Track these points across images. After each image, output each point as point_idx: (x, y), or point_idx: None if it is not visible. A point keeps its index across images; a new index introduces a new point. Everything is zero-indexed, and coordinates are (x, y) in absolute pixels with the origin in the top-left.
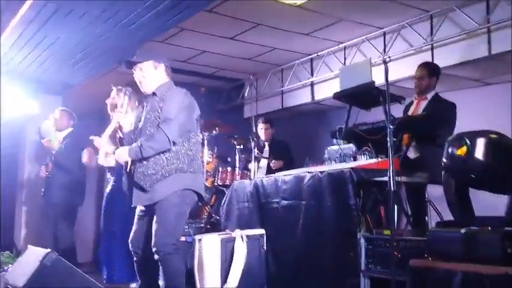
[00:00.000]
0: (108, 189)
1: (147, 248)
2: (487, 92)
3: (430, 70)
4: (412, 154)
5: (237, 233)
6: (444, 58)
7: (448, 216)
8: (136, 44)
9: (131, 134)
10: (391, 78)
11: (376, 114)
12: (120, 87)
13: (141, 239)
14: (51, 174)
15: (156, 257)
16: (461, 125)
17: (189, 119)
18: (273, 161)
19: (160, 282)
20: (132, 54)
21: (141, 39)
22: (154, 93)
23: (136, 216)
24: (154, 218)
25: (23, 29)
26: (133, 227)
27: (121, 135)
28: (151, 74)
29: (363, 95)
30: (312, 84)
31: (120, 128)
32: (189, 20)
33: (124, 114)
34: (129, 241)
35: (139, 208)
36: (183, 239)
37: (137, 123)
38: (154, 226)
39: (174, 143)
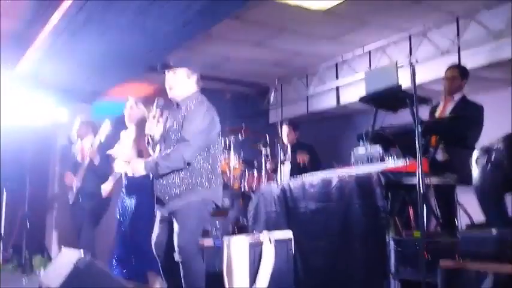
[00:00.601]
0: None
1: (169, 251)
2: None
3: (461, 71)
4: (440, 156)
5: (265, 236)
6: (471, 60)
7: (478, 218)
8: (164, 51)
9: (159, 143)
10: (417, 80)
11: (401, 117)
12: (137, 99)
13: (164, 242)
14: (82, 182)
15: (177, 259)
16: (491, 128)
17: (208, 138)
18: (300, 155)
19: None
20: (160, 62)
21: (169, 47)
22: (178, 105)
23: (157, 220)
24: (175, 222)
25: (53, 40)
26: (156, 231)
27: (150, 143)
28: (183, 82)
29: (389, 98)
30: (337, 89)
31: (152, 138)
32: (215, 27)
33: (156, 124)
34: (153, 244)
35: (159, 212)
36: (210, 242)
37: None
38: (175, 230)
39: (188, 164)
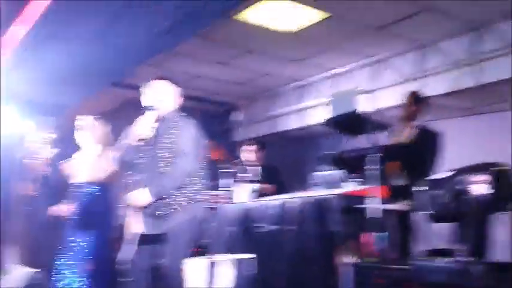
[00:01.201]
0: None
1: (147, 275)
2: (477, 121)
3: (417, 98)
4: (398, 182)
5: (224, 257)
6: (433, 88)
7: (435, 243)
8: (131, 66)
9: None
10: (380, 106)
11: (364, 141)
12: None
13: (145, 266)
14: (37, 193)
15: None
16: (451, 155)
17: (200, 151)
18: (265, 185)
19: None
20: (126, 76)
21: (136, 61)
22: (163, 118)
23: (133, 240)
24: (164, 242)
25: (17, 51)
26: (131, 252)
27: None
28: (172, 96)
29: (351, 123)
30: (302, 110)
31: (140, 143)
32: (183, 45)
33: (150, 129)
34: (125, 267)
35: (138, 232)
36: None
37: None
38: (167, 250)
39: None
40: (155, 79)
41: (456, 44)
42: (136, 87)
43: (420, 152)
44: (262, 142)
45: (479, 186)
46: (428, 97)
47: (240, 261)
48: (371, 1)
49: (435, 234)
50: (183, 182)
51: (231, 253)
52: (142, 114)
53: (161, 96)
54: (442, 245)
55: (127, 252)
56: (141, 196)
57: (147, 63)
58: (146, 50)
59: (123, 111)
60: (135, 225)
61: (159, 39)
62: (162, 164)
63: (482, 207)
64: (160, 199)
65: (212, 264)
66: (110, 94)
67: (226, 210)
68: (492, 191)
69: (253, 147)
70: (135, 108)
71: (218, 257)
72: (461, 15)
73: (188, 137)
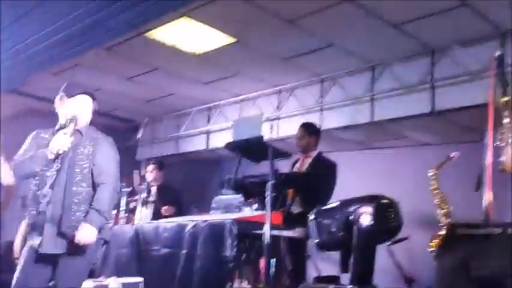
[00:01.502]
0: None
1: None
2: (370, 155)
3: (308, 130)
4: (295, 209)
5: (113, 281)
6: (332, 120)
7: (328, 270)
8: (27, 72)
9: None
10: (283, 134)
11: (267, 168)
12: None
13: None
14: None
15: None
16: (345, 185)
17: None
18: (165, 207)
19: None
20: (22, 83)
21: (33, 68)
22: (81, 133)
23: (28, 260)
24: (63, 263)
25: None
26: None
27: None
28: (90, 111)
29: (252, 148)
30: (207, 132)
31: (54, 155)
32: (86, 56)
33: (67, 141)
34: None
35: (32, 249)
36: None
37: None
38: (63, 270)
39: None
40: (77, 94)
41: (355, 81)
42: (36, 96)
43: (316, 181)
44: (161, 162)
45: (364, 217)
46: (319, 129)
47: (128, 285)
48: (277, 31)
49: (328, 261)
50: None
51: (122, 276)
52: (53, 125)
53: (81, 111)
54: (332, 272)
55: (18, 273)
56: (89, 233)
57: (50, 71)
58: (45, 56)
59: (22, 119)
60: (28, 243)
61: (59, 48)
62: (78, 178)
63: (365, 237)
64: (61, 218)
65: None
66: (7, 101)
67: (121, 231)
68: (373, 223)
69: (153, 167)
70: (34, 117)
71: (106, 280)
72: (361, 54)
73: (110, 156)
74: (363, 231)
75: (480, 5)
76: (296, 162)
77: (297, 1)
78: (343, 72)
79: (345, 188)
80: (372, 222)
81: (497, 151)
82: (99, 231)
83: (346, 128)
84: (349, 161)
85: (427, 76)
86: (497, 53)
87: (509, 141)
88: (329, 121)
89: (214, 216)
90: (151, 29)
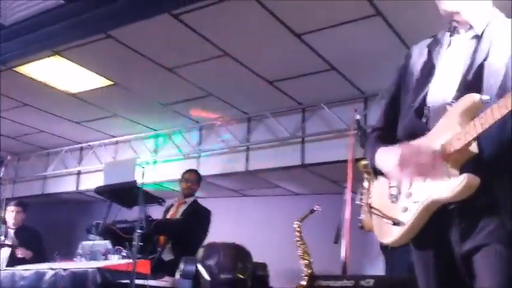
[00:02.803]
0: None
1: None
2: (245, 202)
3: (196, 176)
4: (166, 256)
5: None
6: (209, 167)
7: None
8: None
9: None
10: (159, 179)
11: (136, 213)
12: None
13: None
14: None
15: None
16: (220, 232)
17: None
18: (20, 249)
19: None
20: None
21: None
22: None
23: None
24: None
25: None
26: None
27: None
28: None
29: (124, 193)
30: (78, 173)
31: None
32: None
33: None
34: None
35: None
36: None
37: None
38: None
39: None
40: None
41: (232, 130)
42: None
43: (190, 228)
44: (23, 203)
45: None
46: (201, 175)
47: None
48: (157, 77)
49: None
50: None
51: None
52: None
53: None
54: None
55: None
56: None
57: None
58: None
59: None
60: None
61: None
62: None
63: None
64: None
65: None
66: None
67: None
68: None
69: (14, 208)
70: None
71: None
72: (239, 105)
73: None
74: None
75: (347, 71)
76: (170, 208)
77: (177, 50)
78: (221, 122)
79: (220, 234)
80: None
81: (358, 207)
82: None
83: (222, 175)
84: (225, 208)
85: (299, 131)
86: (357, 117)
87: (365, 202)
88: (206, 168)
89: (77, 264)
90: (25, 64)
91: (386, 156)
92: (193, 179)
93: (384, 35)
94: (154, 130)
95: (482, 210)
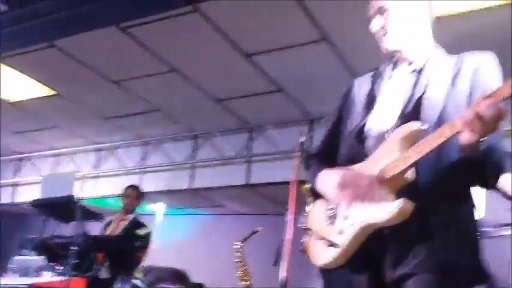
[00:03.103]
0: None
1: None
2: (189, 220)
3: (138, 192)
4: (103, 274)
5: None
6: (152, 183)
7: None
8: None
9: None
10: (100, 194)
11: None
12: None
13: None
14: None
15: None
16: (162, 249)
17: None
18: None
19: None
20: None
21: None
22: None
23: None
24: None
25: None
26: None
27: None
28: None
29: (61, 207)
30: (15, 185)
31: None
32: None
33: None
34: None
35: None
36: None
37: None
38: None
39: None
40: None
41: (177, 147)
42: None
43: (130, 245)
44: None
45: None
46: (143, 192)
47: None
48: (102, 90)
49: None
50: None
51: None
52: None
53: None
54: None
55: None
56: None
57: None
58: None
59: None
60: None
61: None
62: None
63: None
64: None
65: None
66: None
67: None
68: None
69: None
70: None
71: None
72: (186, 122)
73: None
74: None
75: (294, 93)
76: (109, 224)
77: (124, 63)
78: (166, 138)
79: (161, 252)
80: None
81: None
82: None
83: (165, 192)
84: (168, 225)
85: (245, 151)
86: (302, 139)
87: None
88: (149, 184)
89: (6, 280)
90: None
91: (328, 178)
92: (134, 195)
93: (330, 59)
94: (97, 144)
95: (416, 237)
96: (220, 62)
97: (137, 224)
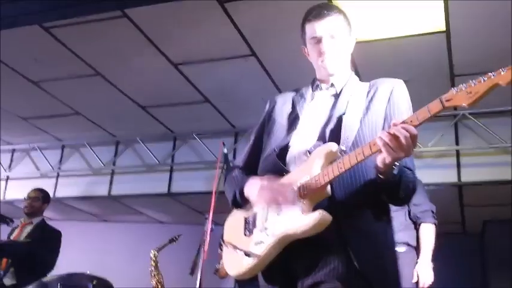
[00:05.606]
0: None
1: None
2: (106, 227)
3: (43, 195)
4: (8, 281)
5: None
6: (68, 189)
7: None
8: None
9: None
10: (11, 197)
11: None
12: None
13: None
14: None
15: None
16: (77, 256)
17: None
18: None
19: None
20: None
21: None
22: None
23: None
24: None
25: None
26: None
27: None
28: None
29: None
30: None
31: None
32: None
33: None
34: None
35: None
36: None
37: None
38: None
39: None
40: None
41: (97, 153)
42: None
43: (36, 250)
44: None
45: None
46: (46, 194)
47: None
48: (20, 90)
49: None
50: None
51: None
52: None
53: None
54: None
55: None
56: None
57: None
58: None
59: None
60: None
61: None
62: None
63: None
64: None
65: None
66: None
67: None
68: None
69: None
70: None
71: None
72: (107, 127)
73: None
74: None
75: (220, 105)
76: (13, 229)
77: (45, 64)
78: (86, 142)
79: (72, 260)
80: None
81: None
82: None
83: (82, 198)
84: (82, 233)
85: (168, 159)
86: (224, 150)
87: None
88: (64, 189)
89: None
90: None
91: (255, 183)
92: (35, 197)
93: (257, 74)
94: (11, 144)
95: (329, 248)
96: (147, 69)
97: (44, 228)
